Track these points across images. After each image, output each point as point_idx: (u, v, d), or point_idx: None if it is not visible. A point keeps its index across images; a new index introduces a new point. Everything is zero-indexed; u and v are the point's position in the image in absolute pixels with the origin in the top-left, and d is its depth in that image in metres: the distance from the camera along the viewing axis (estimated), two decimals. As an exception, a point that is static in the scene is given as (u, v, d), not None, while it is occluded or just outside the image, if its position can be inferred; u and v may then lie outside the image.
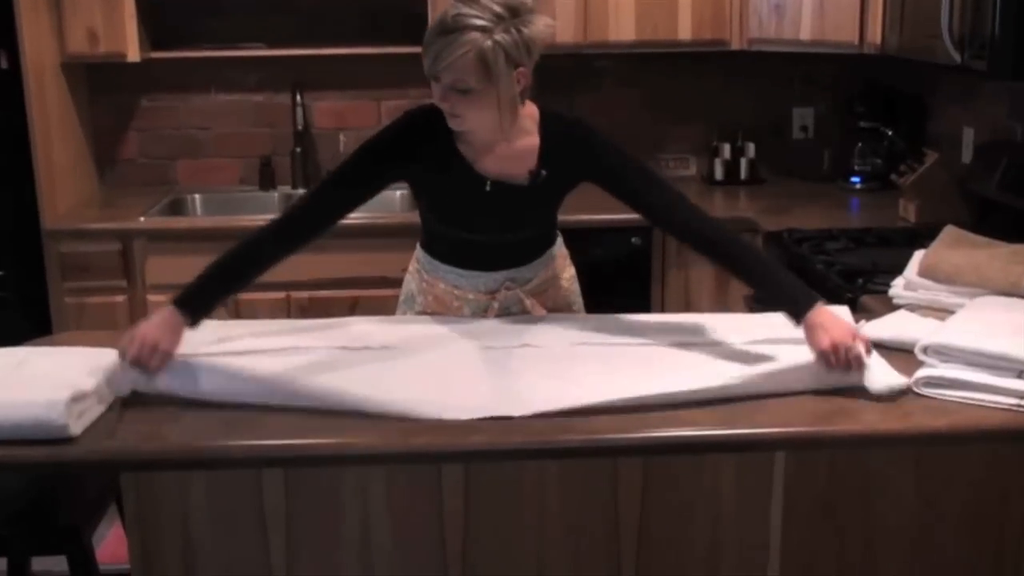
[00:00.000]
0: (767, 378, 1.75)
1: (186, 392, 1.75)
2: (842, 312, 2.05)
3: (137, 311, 3.18)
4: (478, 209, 2.04)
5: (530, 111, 2.02)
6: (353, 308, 3.24)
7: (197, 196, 3.69)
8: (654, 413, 1.68)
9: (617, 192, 2.00)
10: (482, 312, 2.15)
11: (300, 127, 3.69)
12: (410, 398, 1.70)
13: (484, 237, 2.09)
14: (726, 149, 3.76)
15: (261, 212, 3.57)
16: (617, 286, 3.24)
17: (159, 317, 1.82)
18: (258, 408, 1.70)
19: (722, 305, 3.23)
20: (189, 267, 3.42)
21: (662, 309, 3.27)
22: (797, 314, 1.81)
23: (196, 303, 1.86)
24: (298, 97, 3.66)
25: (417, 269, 2.24)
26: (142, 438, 1.62)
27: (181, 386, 1.75)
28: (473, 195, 2.01)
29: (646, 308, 3.26)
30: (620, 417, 1.66)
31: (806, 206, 3.37)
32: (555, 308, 2.20)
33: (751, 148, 3.76)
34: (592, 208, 3.08)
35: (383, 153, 1.99)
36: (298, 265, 3.24)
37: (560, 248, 2.27)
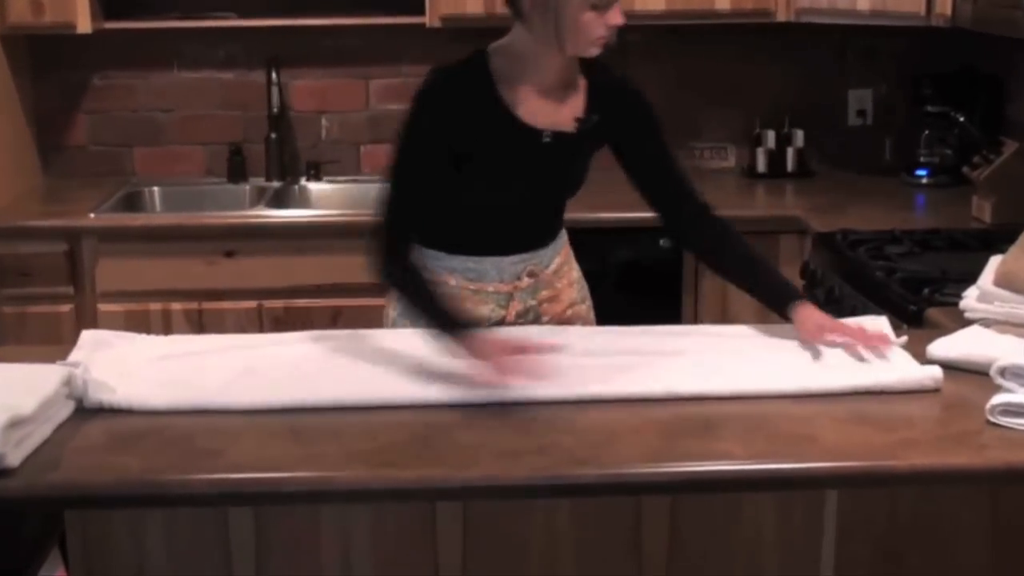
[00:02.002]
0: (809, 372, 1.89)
1: (140, 404, 1.78)
2: (880, 323, 2.07)
3: (86, 322, 3.19)
4: (529, 166, 2.11)
5: None
6: (336, 319, 3.24)
7: (156, 189, 3.70)
8: (683, 442, 1.67)
9: (639, 160, 2.18)
10: (503, 309, 2.19)
11: (276, 110, 3.70)
12: (396, 384, 1.83)
13: (523, 202, 2.16)
14: (770, 137, 3.76)
15: (230, 208, 3.58)
16: (641, 296, 3.24)
17: (486, 339, 1.88)
18: (225, 432, 1.71)
19: (765, 318, 3.21)
20: (146, 272, 3.44)
21: (695, 319, 3.27)
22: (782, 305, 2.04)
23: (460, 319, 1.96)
24: (274, 75, 3.67)
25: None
26: (90, 470, 1.62)
27: (135, 398, 1.79)
28: (525, 150, 2.10)
29: (676, 318, 3.25)
30: (643, 448, 1.66)
31: (863, 203, 3.37)
32: (570, 304, 2.26)
33: (799, 136, 3.76)
34: (610, 205, 3.08)
35: (433, 125, 2.04)
36: (272, 269, 3.29)
37: (565, 236, 2.33)
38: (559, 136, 2.11)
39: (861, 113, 3.85)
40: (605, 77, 2.17)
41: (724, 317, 3.25)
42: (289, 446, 1.68)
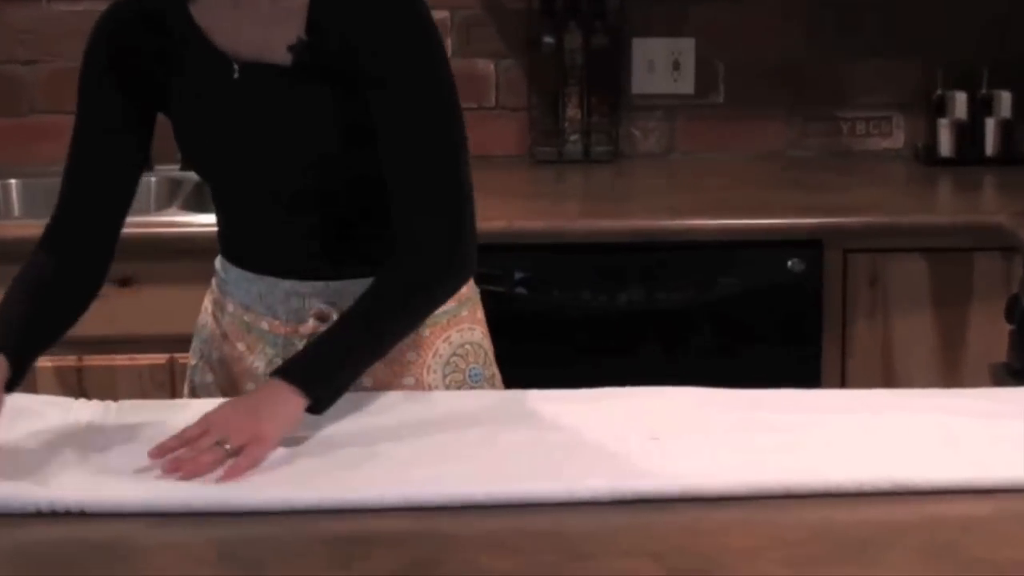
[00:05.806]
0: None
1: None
2: None
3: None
4: (226, 113, 2.18)
5: None
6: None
7: (12, 183, 3.79)
8: (829, 572, 1.68)
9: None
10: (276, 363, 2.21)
11: (196, 61, 3.73)
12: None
13: (253, 179, 2.22)
14: (959, 103, 3.78)
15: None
16: (764, 340, 3.24)
17: None
18: (125, 552, 1.72)
19: (954, 379, 3.21)
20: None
21: (842, 382, 3.29)
22: None
23: None
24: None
25: (213, 288, 2.40)
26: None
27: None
28: (218, 88, 2.17)
29: (813, 379, 3.26)
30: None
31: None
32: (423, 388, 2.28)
33: (1005, 101, 3.78)
34: (710, 207, 3.09)
35: (93, 74, 2.34)
36: (188, 304, 3.29)
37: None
38: (255, 69, 2.15)
39: (1100, 67, 3.87)
40: None
41: (888, 377, 3.25)
42: (219, 552, 1.70)
